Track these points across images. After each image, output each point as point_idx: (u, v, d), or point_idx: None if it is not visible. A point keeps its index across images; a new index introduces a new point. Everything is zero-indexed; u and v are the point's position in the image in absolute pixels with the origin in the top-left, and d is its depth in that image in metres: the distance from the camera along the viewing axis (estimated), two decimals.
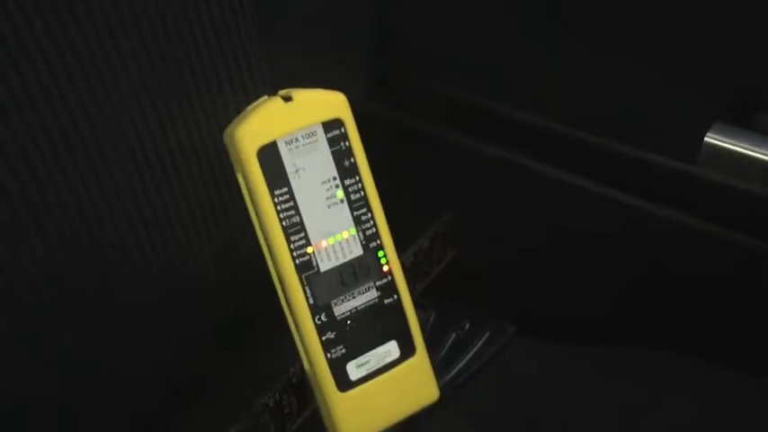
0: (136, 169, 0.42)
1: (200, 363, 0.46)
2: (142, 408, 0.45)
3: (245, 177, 0.42)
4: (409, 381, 0.46)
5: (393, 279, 0.46)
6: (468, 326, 0.53)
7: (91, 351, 0.43)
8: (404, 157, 0.56)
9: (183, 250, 0.45)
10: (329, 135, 0.44)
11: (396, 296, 0.46)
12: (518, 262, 0.60)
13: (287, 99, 0.43)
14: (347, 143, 0.44)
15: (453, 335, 0.53)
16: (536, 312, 0.56)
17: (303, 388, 0.46)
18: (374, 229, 0.45)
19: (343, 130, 0.44)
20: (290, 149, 0.43)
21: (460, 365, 0.52)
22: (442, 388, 0.47)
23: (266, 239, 0.43)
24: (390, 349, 0.46)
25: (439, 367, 0.51)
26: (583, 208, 0.56)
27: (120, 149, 0.41)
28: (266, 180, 0.42)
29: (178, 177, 0.44)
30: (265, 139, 0.42)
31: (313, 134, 0.43)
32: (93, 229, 0.41)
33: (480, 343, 0.52)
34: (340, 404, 0.44)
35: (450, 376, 0.52)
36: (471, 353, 0.52)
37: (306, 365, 0.45)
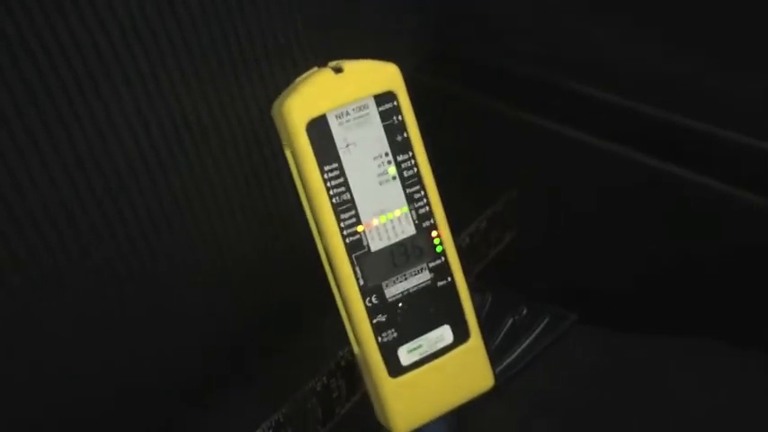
0: (180, 148, 0.41)
1: (248, 346, 0.45)
2: (189, 389, 0.44)
3: (293, 152, 0.40)
4: (463, 367, 0.44)
5: (447, 260, 0.43)
6: (525, 311, 0.51)
7: (143, 333, 0.42)
8: (459, 134, 0.54)
9: (228, 231, 0.44)
10: (381, 108, 0.42)
11: (449, 278, 0.44)
12: (579, 245, 0.57)
13: (338, 70, 0.41)
14: (400, 117, 0.42)
15: (510, 320, 0.51)
16: (598, 299, 0.53)
17: (352, 371, 0.44)
18: (427, 208, 0.43)
19: (395, 103, 0.42)
20: (341, 123, 0.41)
21: (517, 353, 0.49)
22: (496, 376, 0.45)
23: (315, 218, 0.41)
24: (443, 334, 0.44)
25: (494, 354, 0.49)
26: (650, 188, 0.53)
27: (164, 126, 0.40)
28: (315, 155, 0.40)
29: (224, 155, 0.42)
30: (315, 112, 0.40)
31: (364, 107, 0.41)
32: (139, 209, 0.40)
33: (538, 330, 0.50)
34: (391, 390, 0.42)
35: (505, 364, 0.50)
36: (529, 340, 0.49)
37: (355, 349, 0.43)
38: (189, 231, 0.42)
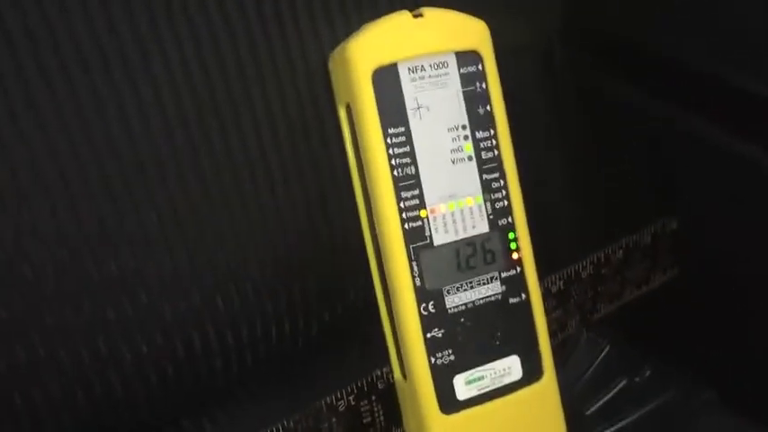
0: (213, 109, 0.33)
1: (264, 349, 0.36)
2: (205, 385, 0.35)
3: (352, 107, 0.32)
4: (529, 413, 0.35)
5: (523, 272, 0.34)
6: (648, 374, 0.40)
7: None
8: (603, 132, 0.42)
9: (255, 217, 0.35)
10: (463, 70, 0.34)
11: (524, 295, 0.35)
12: (744, 304, 0.42)
13: (417, 15, 0.33)
14: (484, 85, 0.34)
15: (624, 380, 0.40)
16: (748, 377, 0.41)
17: (390, 396, 0.34)
18: (506, 203, 0.34)
19: (480, 67, 0.34)
20: (414, 80, 0.33)
21: (624, 422, 0.38)
22: None
23: (368, 192, 0.33)
24: (511, 366, 0.34)
25: (597, 417, 0.38)
26: None
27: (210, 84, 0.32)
28: (380, 113, 0.32)
29: (270, 117, 0.34)
30: (385, 60, 0.32)
31: (443, 65, 0.33)
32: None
33: (659, 401, 0.39)
34: (441, 430, 0.33)
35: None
36: (643, 411, 0.38)
37: (396, 373, 0.34)
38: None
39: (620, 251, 0.44)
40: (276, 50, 0.34)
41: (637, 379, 0.41)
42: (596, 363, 0.41)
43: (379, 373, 0.34)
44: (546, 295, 0.42)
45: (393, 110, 0.32)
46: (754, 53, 0.39)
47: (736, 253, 0.43)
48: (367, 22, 0.33)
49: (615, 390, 0.40)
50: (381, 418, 0.35)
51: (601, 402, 0.40)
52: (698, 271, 0.45)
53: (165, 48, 0.32)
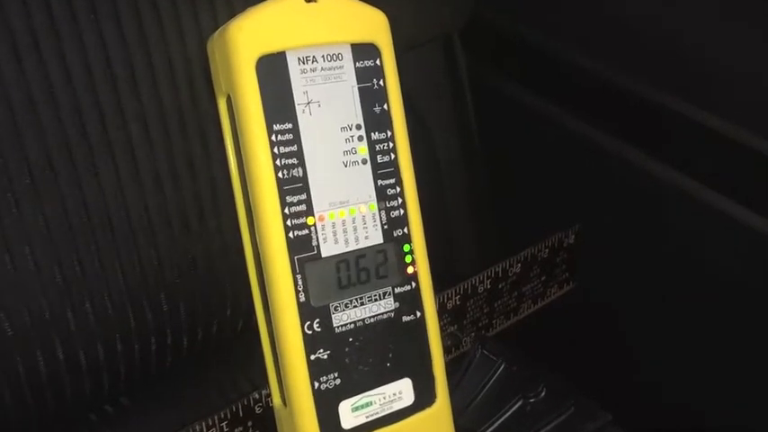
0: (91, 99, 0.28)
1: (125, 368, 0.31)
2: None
3: (233, 95, 0.28)
4: None
5: (418, 287, 0.32)
6: (544, 393, 0.38)
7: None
8: (506, 138, 0.39)
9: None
10: (359, 64, 0.30)
11: (418, 313, 0.32)
12: (645, 322, 0.41)
13: (310, 0, 0.30)
14: (381, 82, 0.31)
15: (520, 401, 0.38)
16: (647, 400, 0.40)
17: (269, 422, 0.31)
18: (402, 211, 0.31)
19: (378, 61, 0.31)
20: (304, 71, 0.29)
21: None
22: None
23: (248, 195, 0.29)
24: (402, 390, 0.31)
25: None
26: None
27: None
28: (264, 106, 0.28)
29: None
30: (271, 46, 0.29)
31: (337, 57, 0.30)
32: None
33: (556, 422, 0.37)
34: None
35: None
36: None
37: (275, 397, 0.30)
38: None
39: (518, 265, 0.42)
40: (149, 33, 0.30)
41: (532, 399, 0.39)
42: (491, 382, 0.39)
43: (257, 396, 0.31)
44: (441, 311, 0.39)
45: (279, 104, 0.29)
46: (642, 56, 0.37)
47: (627, 267, 0.42)
48: (253, 4, 0.30)
49: (510, 411, 0.38)
50: None
51: (495, 425, 0.38)
52: (592, 286, 0.44)
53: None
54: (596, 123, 0.38)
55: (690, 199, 0.35)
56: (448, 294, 0.39)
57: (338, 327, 0.30)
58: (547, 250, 0.43)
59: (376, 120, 0.31)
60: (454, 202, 0.42)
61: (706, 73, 0.35)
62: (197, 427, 0.30)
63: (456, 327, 0.41)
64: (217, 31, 0.29)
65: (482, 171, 0.42)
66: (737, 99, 0.35)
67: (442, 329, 0.38)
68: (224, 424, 0.30)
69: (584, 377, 0.39)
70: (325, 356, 0.30)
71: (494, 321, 0.43)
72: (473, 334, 0.42)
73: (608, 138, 0.38)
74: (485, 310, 0.42)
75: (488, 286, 0.41)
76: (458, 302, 0.40)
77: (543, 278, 0.44)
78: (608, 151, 0.38)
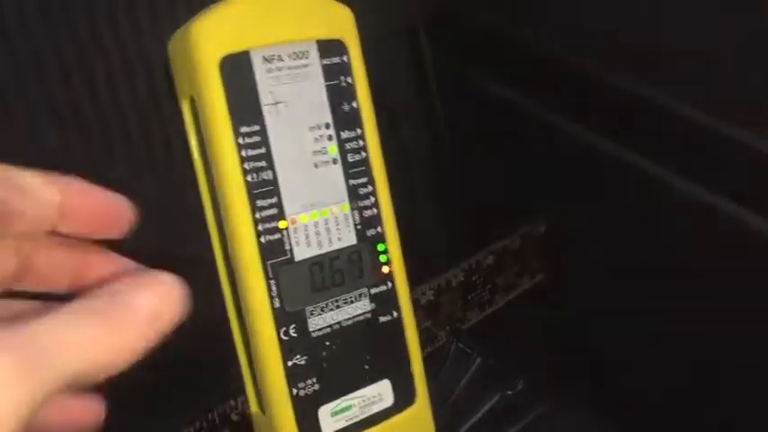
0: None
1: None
2: None
3: (197, 98, 0.28)
4: None
5: (394, 286, 0.31)
6: (520, 387, 0.38)
7: None
8: (473, 131, 0.39)
9: None
10: (326, 61, 0.30)
11: (395, 312, 0.31)
12: (617, 315, 0.39)
13: None
14: (350, 79, 0.30)
15: (498, 395, 0.38)
16: (622, 396, 0.39)
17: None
18: (375, 210, 0.31)
19: (345, 58, 0.30)
20: (270, 70, 0.29)
21: None
22: None
23: (217, 200, 0.28)
24: (381, 392, 0.31)
25: None
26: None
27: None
28: (230, 108, 0.27)
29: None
30: (235, 46, 0.28)
31: (303, 55, 0.29)
32: None
33: (533, 415, 0.37)
34: None
35: None
36: (516, 427, 0.36)
37: (253, 405, 0.30)
38: None
39: (491, 257, 0.42)
40: (105, 35, 0.29)
41: (509, 393, 0.39)
42: (468, 376, 0.39)
43: (233, 403, 0.30)
44: (415, 307, 0.39)
45: (245, 105, 0.28)
46: (609, 42, 0.37)
47: (599, 257, 0.42)
48: (214, 2, 0.29)
49: (488, 405, 0.38)
50: None
51: (474, 419, 0.38)
52: (564, 276, 0.44)
53: None
54: (566, 113, 0.38)
55: (661, 187, 0.35)
56: (421, 290, 0.39)
57: (314, 331, 0.29)
58: (519, 241, 0.43)
59: (345, 118, 0.30)
60: (424, 196, 0.41)
61: (665, 52, 0.35)
62: None
63: (431, 322, 0.41)
64: (177, 31, 0.28)
65: (452, 164, 0.42)
66: (702, 83, 0.35)
67: (417, 326, 0.38)
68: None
69: (559, 368, 0.39)
70: (303, 362, 0.29)
71: (468, 314, 0.43)
72: (448, 328, 0.42)
73: (577, 127, 0.38)
74: (458, 304, 0.42)
75: (462, 279, 0.40)
76: (432, 298, 0.40)
77: (516, 269, 0.44)
78: (578, 141, 0.38)
